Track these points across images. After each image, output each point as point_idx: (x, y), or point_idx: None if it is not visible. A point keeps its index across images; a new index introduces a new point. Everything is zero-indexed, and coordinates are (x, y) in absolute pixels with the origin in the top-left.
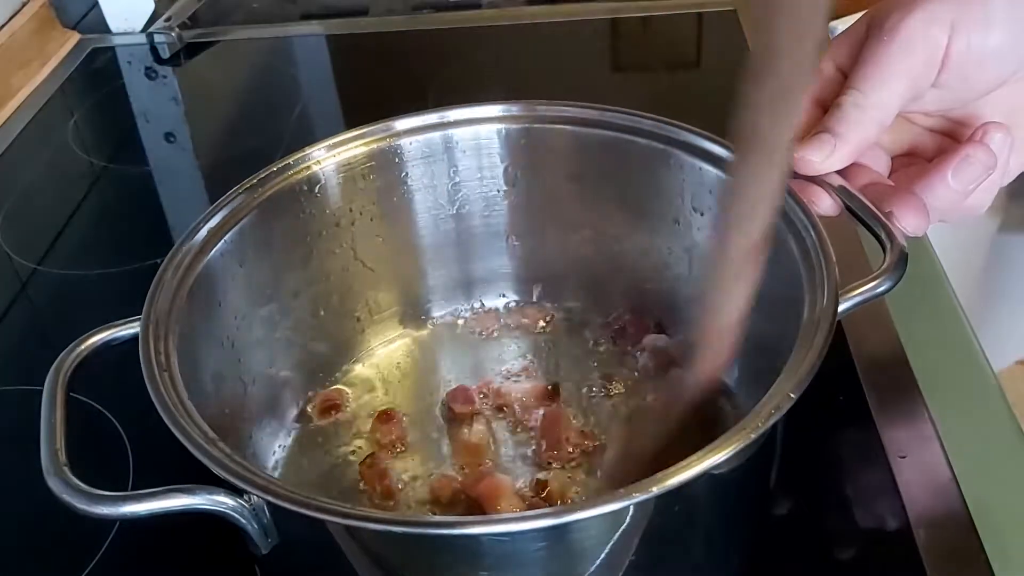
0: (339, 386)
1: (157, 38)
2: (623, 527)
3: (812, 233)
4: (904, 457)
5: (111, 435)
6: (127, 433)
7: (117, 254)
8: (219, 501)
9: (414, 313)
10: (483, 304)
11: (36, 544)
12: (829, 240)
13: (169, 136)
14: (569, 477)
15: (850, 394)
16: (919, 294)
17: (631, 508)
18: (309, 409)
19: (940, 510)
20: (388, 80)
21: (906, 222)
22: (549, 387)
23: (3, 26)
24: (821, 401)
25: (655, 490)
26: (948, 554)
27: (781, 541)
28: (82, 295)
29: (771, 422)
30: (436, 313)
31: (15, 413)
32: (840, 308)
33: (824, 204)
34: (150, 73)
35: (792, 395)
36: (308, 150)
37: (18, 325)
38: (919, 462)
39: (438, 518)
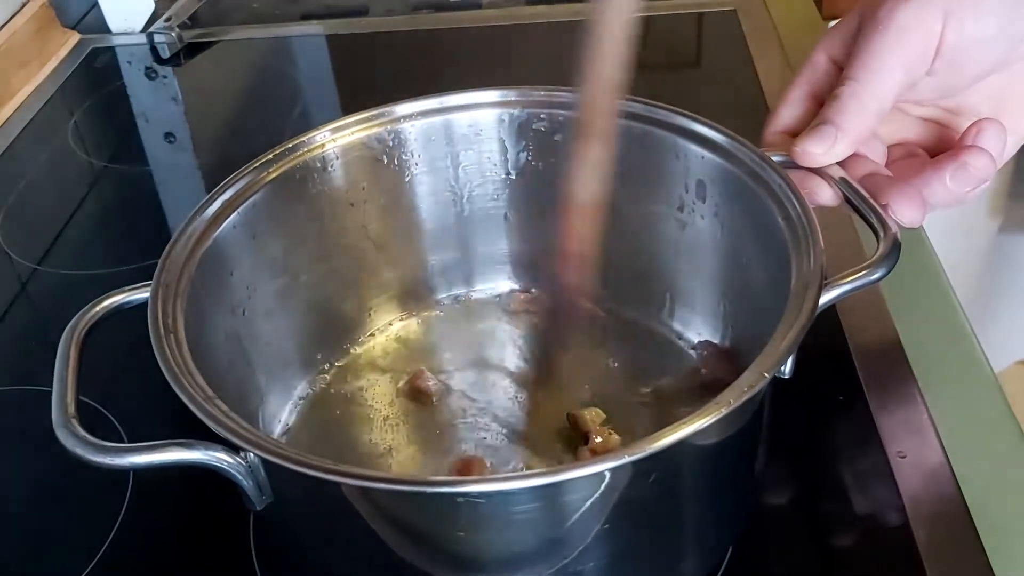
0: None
1: (157, 38)
2: (601, 493)
3: (795, 202)
4: (904, 456)
5: (109, 433)
6: (126, 432)
7: (117, 254)
8: (216, 457)
9: (417, 294)
10: (484, 287)
11: (37, 544)
12: (816, 218)
13: (169, 136)
14: None
15: (850, 394)
16: (919, 294)
17: (607, 474)
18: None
19: (939, 510)
20: (388, 80)
21: (902, 214)
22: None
23: (3, 26)
24: (821, 401)
25: (627, 458)
26: (947, 554)
27: (779, 543)
28: (82, 295)
29: (744, 399)
30: (439, 295)
31: (15, 413)
32: (834, 295)
33: (824, 195)
34: (150, 73)
35: (766, 374)
36: (312, 133)
37: (18, 325)
38: (918, 462)
39: (426, 477)
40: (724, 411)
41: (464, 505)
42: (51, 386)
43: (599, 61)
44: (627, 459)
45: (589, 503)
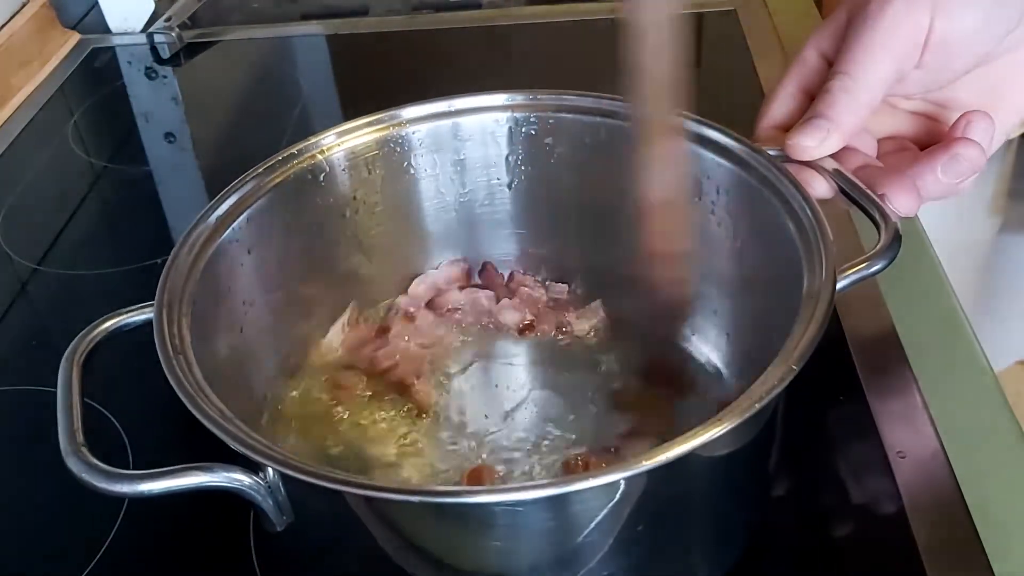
0: None
1: (157, 38)
2: (620, 500)
3: (808, 211)
4: (903, 456)
5: (110, 433)
6: (126, 432)
7: (117, 254)
8: (235, 479)
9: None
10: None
11: (35, 544)
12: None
13: (169, 136)
14: None
15: (850, 394)
16: (919, 295)
17: (622, 483)
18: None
19: (939, 510)
20: (388, 80)
21: (898, 204)
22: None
23: (3, 26)
24: (821, 401)
25: (647, 464)
26: (947, 554)
27: (777, 545)
28: (82, 295)
29: (774, 394)
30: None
31: (15, 413)
32: (840, 285)
33: (819, 187)
34: (150, 73)
35: (795, 367)
36: (317, 137)
37: (18, 325)
38: (918, 461)
39: (451, 487)
40: (758, 406)
41: (491, 514)
42: (51, 386)
43: (646, 59)
44: (660, 461)
45: (619, 505)
